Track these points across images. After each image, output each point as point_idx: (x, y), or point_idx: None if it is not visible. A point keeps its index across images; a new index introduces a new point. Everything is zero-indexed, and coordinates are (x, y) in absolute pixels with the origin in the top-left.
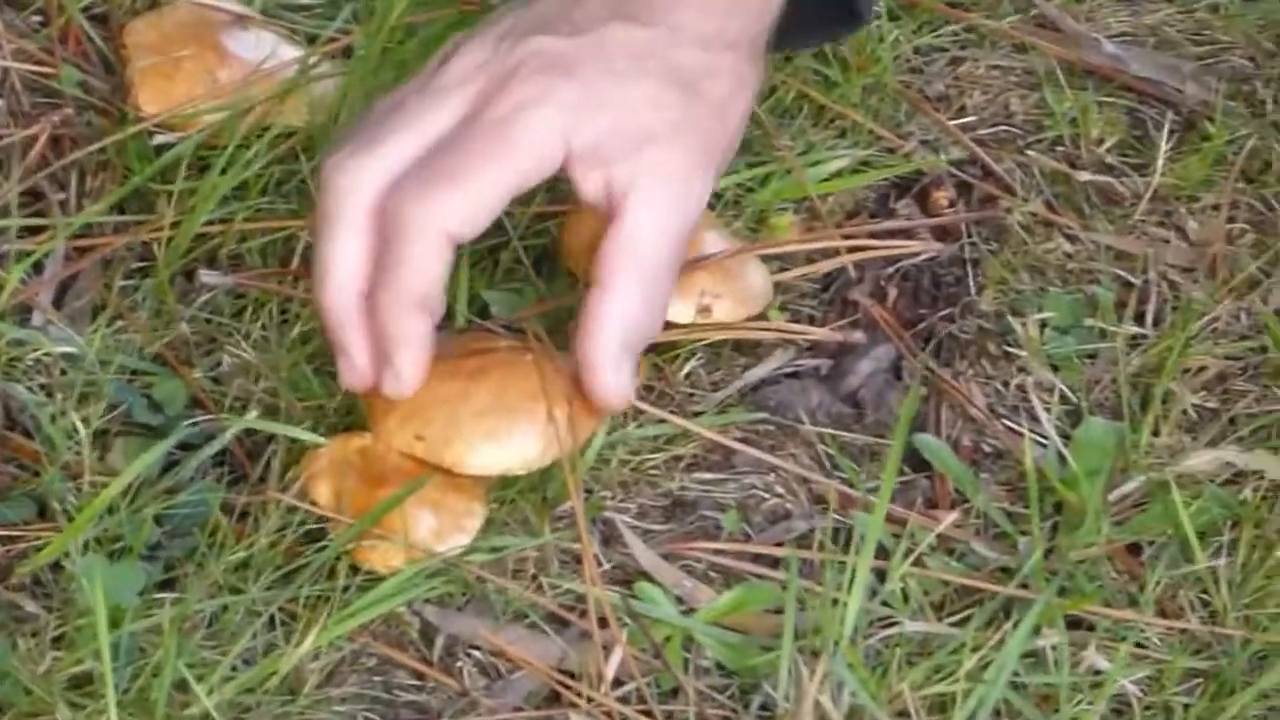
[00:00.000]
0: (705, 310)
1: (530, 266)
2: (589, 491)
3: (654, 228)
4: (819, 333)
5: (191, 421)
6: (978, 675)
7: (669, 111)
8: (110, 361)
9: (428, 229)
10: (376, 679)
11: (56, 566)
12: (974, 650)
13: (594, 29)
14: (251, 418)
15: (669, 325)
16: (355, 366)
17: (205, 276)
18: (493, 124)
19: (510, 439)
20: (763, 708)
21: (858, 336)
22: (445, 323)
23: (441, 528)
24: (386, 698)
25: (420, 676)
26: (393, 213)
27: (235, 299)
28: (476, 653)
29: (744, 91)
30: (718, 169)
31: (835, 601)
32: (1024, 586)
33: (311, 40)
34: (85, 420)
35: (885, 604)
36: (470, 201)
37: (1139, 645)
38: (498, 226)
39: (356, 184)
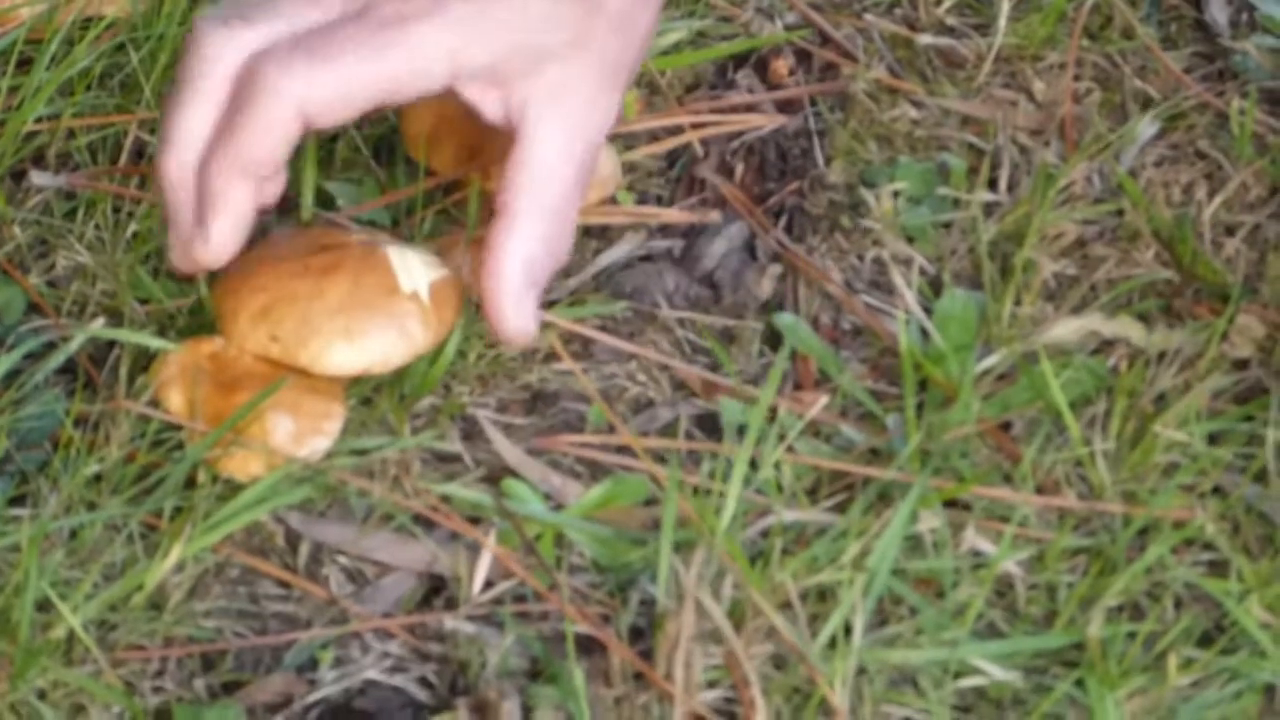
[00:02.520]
0: None
1: (370, 155)
2: (446, 388)
3: (556, 151)
4: (674, 214)
5: (31, 329)
6: (859, 563)
7: (568, 27)
8: None
9: (282, 97)
10: (242, 589)
11: None
12: (854, 537)
13: None
14: (97, 326)
15: None
16: (183, 240)
17: (36, 178)
18: (378, 24)
19: (367, 336)
20: (641, 603)
21: (714, 217)
22: (291, 219)
23: (300, 431)
24: (254, 609)
25: (286, 586)
26: (250, 74)
27: (66, 199)
28: (343, 559)
29: (649, 1)
30: (623, 86)
31: (710, 492)
32: (893, 464)
33: None
34: None
35: (759, 492)
36: (335, 84)
37: (1018, 524)
38: None
39: (220, 52)
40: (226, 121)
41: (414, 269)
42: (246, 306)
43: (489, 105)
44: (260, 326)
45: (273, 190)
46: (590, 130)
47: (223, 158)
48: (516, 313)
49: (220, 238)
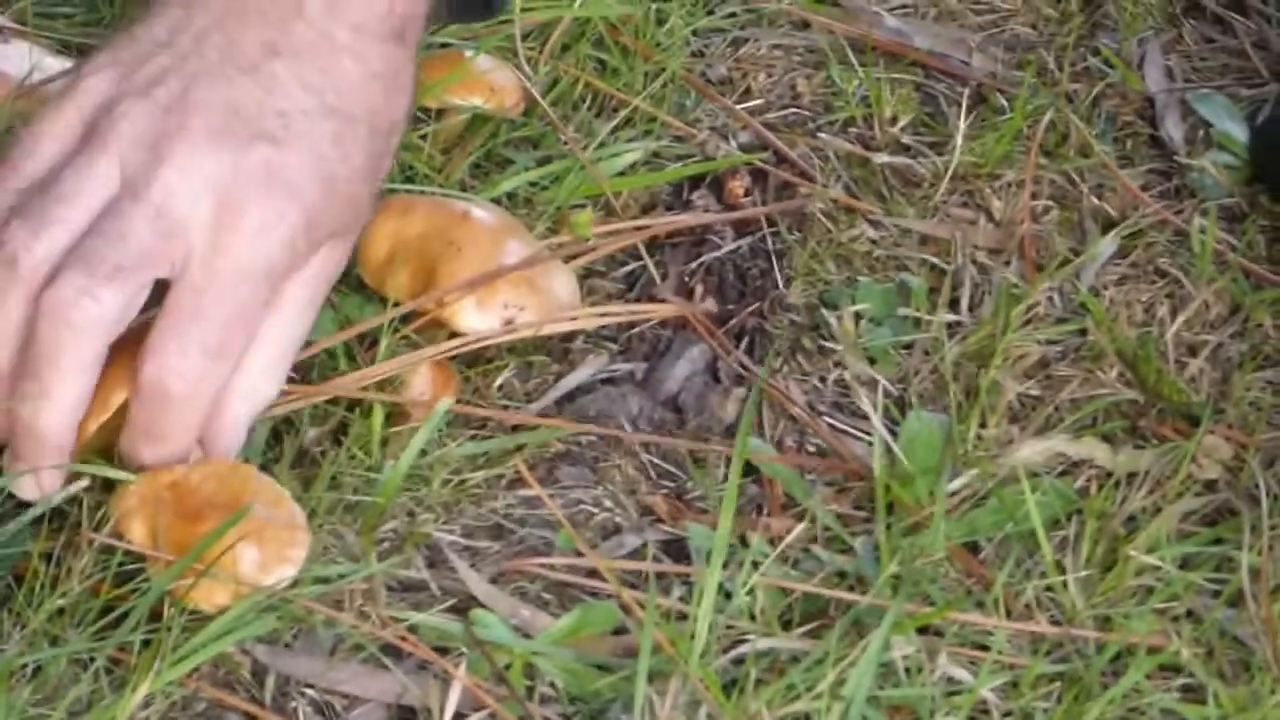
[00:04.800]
0: (509, 324)
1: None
2: (410, 515)
3: (298, 321)
4: (646, 309)
5: None
6: (835, 692)
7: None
8: None
9: (193, 398)
10: None
11: None
12: (830, 665)
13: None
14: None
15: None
16: (42, 488)
17: None
18: (236, 268)
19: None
20: None
21: (706, 305)
22: None
23: (266, 560)
24: None
25: (253, 719)
26: (152, 378)
27: None
28: (310, 691)
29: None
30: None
31: (683, 617)
32: (864, 592)
33: (76, 49)
34: None
35: (731, 619)
36: (226, 362)
37: (987, 648)
38: None
39: (98, 329)
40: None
41: None
42: None
43: None
44: None
45: None
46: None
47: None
48: (237, 443)
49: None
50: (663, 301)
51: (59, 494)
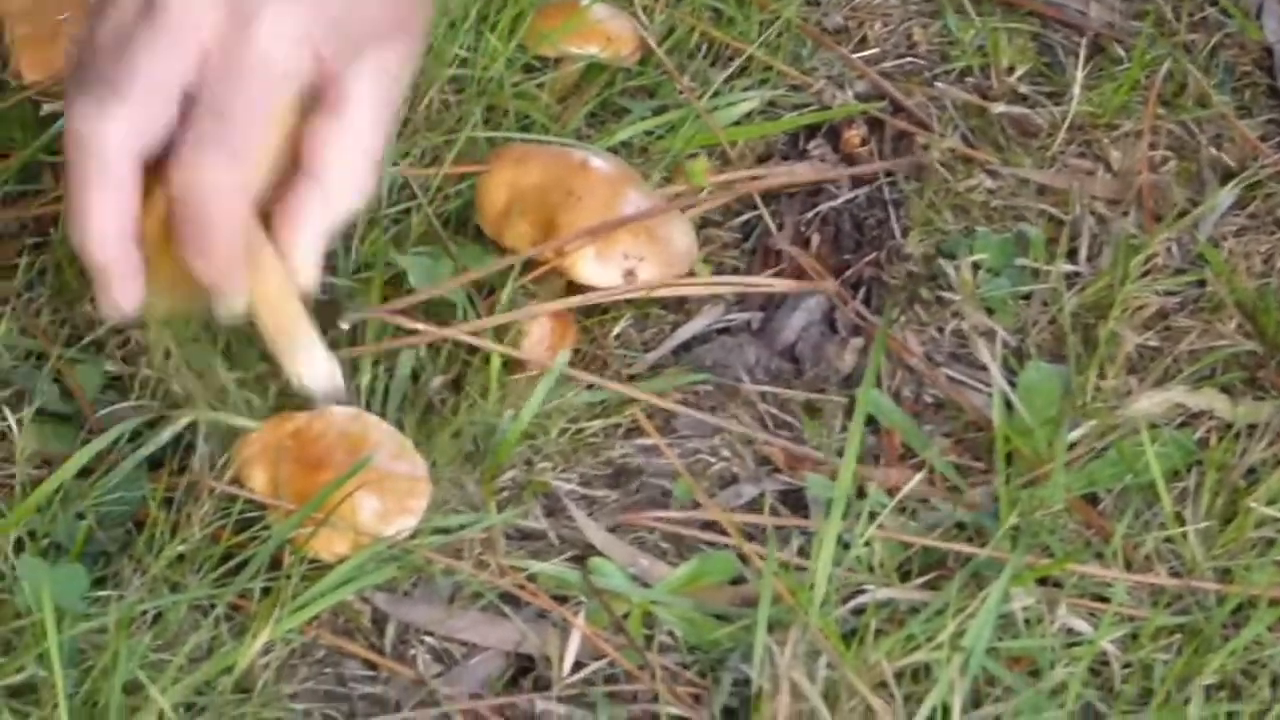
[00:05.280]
0: (630, 274)
1: (445, 229)
2: (529, 463)
3: (371, 124)
4: (769, 282)
5: (116, 410)
6: (954, 642)
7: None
8: (14, 346)
9: (226, 202)
10: (329, 671)
11: None
12: (949, 615)
13: None
14: (190, 412)
15: (596, 289)
16: (119, 306)
17: None
18: (251, 67)
19: None
20: (734, 683)
21: (828, 285)
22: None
23: (386, 509)
24: (341, 691)
25: (374, 667)
26: (184, 191)
27: None
28: (430, 639)
29: None
30: (419, 50)
31: (801, 569)
32: (983, 543)
33: None
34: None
35: (849, 569)
36: (252, 164)
37: (1107, 599)
38: (404, 189)
39: (110, 145)
40: (185, 231)
41: None
42: None
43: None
44: None
45: None
46: (394, 102)
47: (207, 267)
48: (308, 263)
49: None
50: (779, 269)
51: (132, 311)
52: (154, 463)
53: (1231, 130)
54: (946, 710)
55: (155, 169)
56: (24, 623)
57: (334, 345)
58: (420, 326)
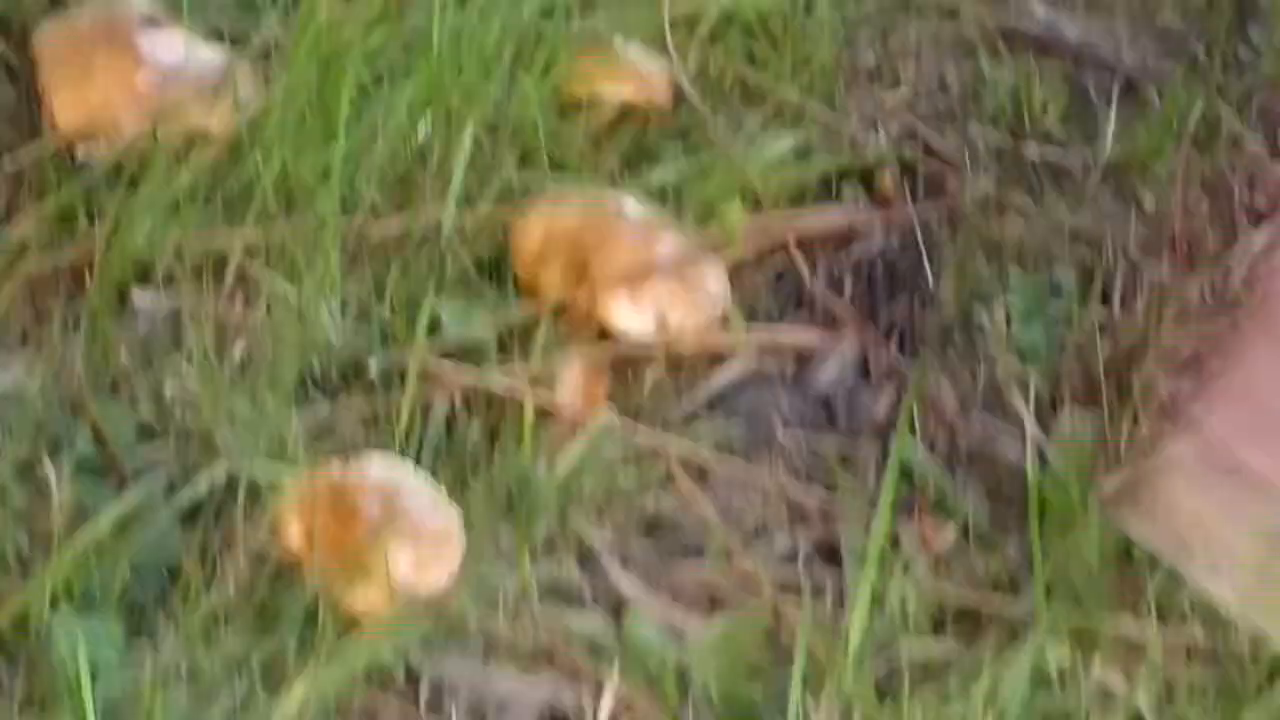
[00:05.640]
0: (663, 320)
1: (479, 274)
2: (563, 514)
3: None
4: (802, 332)
5: (146, 460)
6: (989, 699)
7: None
8: (48, 394)
9: None
10: None
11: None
12: (984, 671)
13: None
14: (223, 465)
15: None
16: None
17: (139, 300)
18: None
19: None
20: None
21: (861, 334)
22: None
23: (421, 559)
24: None
25: None
26: None
27: (170, 320)
28: (464, 695)
29: None
30: None
31: (834, 623)
32: (1016, 594)
33: (229, 38)
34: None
35: (882, 622)
36: None
37: (1142, 649)
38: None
39: None
40: None
41: None
42: None
43: None
44: None
45: None
46: None
47: None
48: None
49: None
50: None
51: None
52: (189, 511)
53: (1265, 172)
54: None
55: None
56: (59, 678)
57: (369, 390)
58: (454, 374)
